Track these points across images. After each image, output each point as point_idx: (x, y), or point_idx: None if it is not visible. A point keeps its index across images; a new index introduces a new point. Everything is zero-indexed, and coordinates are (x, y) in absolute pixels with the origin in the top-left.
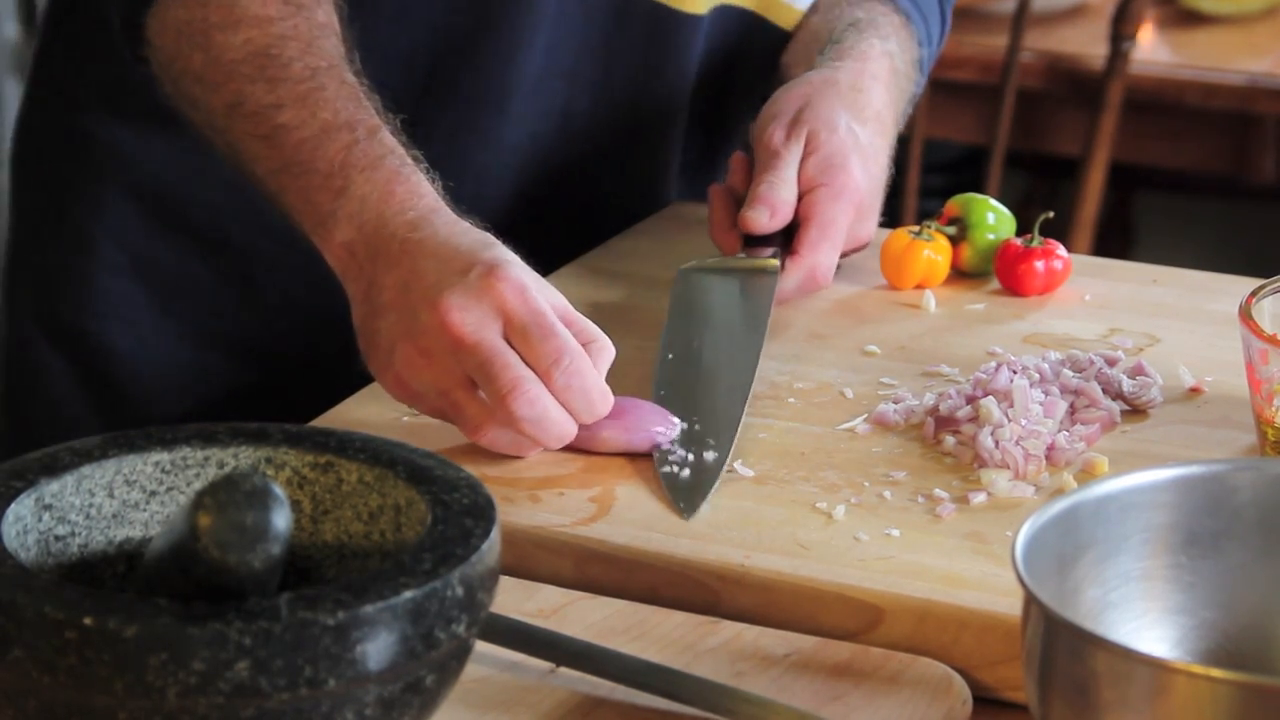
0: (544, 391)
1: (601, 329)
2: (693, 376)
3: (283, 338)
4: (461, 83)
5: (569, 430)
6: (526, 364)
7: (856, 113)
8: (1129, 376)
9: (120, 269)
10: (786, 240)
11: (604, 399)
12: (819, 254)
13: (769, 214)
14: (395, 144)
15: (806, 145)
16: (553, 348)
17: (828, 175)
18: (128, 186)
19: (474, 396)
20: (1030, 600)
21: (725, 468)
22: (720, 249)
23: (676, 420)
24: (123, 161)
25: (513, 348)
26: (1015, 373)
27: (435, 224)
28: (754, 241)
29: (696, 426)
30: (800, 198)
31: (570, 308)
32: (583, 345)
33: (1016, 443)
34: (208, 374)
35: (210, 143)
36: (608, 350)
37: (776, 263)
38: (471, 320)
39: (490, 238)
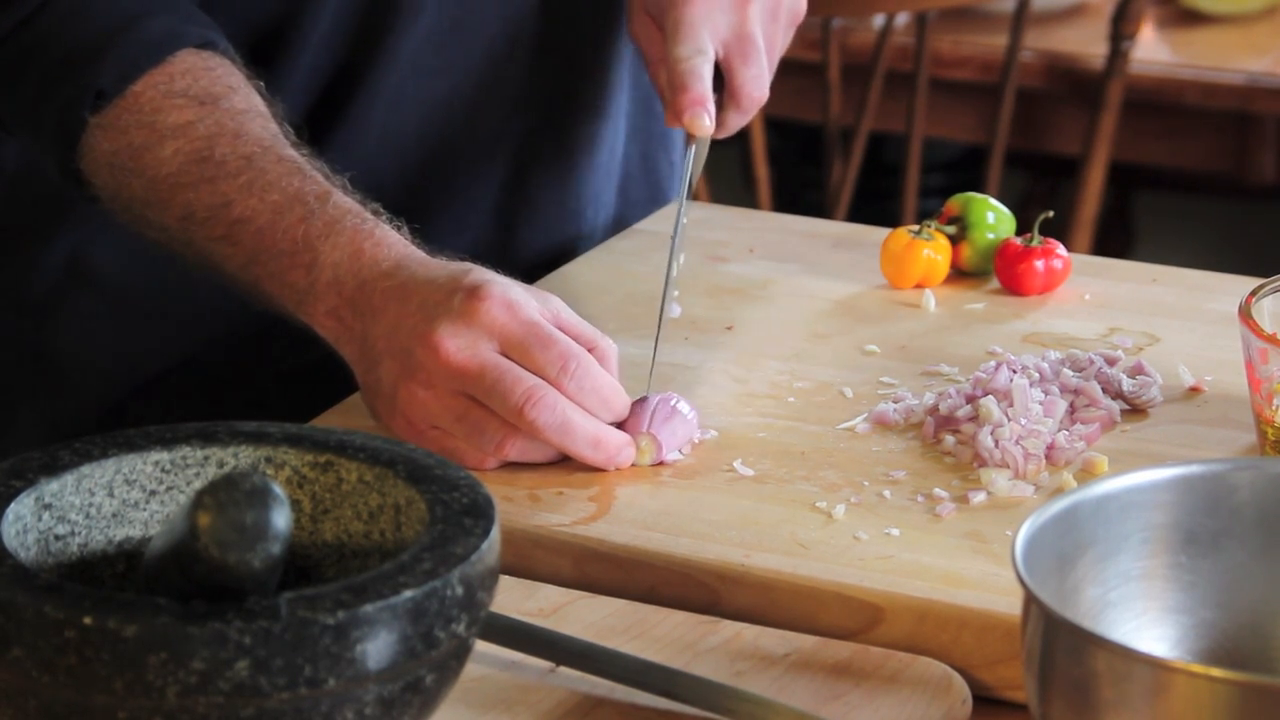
0: (560, 396)
1: (602, 330)
2: None
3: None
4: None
5: (596, 431)
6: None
7: None
8: (1129, 376)
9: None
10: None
11: (619, 396)
12: (747, 82)
13: (707, 117)
14: (350, 203)
15: None
16: (555, 354)
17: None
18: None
19: (491, 413)
20: (1030, 600)
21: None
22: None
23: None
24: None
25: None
26: (1015, 372)
27: (410, 266)
28: None
29: None
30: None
31: (565, 311)
32: (587, 350)
33: (1016, 442)
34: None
35: (181, 258)
36: (612, 351)
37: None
38: (466, 346)
39: (468, 264)
